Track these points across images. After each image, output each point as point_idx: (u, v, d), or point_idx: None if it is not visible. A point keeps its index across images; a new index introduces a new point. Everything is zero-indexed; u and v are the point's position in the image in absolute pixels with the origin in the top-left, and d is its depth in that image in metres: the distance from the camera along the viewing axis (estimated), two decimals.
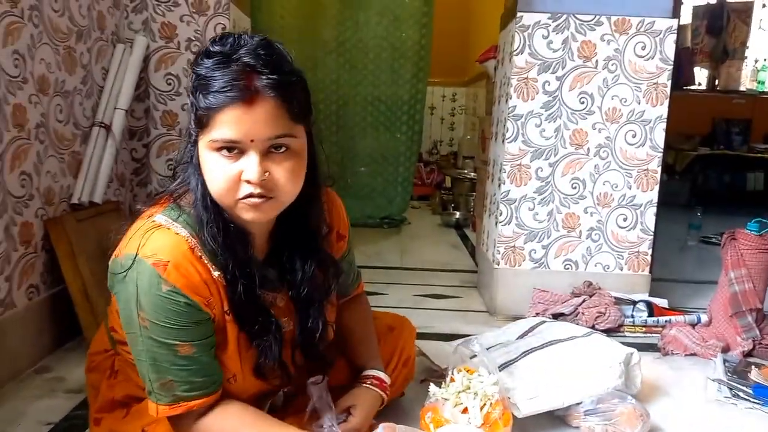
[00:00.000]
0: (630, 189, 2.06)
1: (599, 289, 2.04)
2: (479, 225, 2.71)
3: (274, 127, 0.87)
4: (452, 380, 1.22)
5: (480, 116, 3.65)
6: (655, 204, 2.07)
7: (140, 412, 1.00)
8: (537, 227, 2.09)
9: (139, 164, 2.19)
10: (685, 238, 3.44)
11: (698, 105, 4.81)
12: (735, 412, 1.45)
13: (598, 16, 1.98)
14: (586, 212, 2.08)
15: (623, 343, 1.47)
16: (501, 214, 2.09)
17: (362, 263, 1.30)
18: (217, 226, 0.92)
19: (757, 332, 1.77)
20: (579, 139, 2.04)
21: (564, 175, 2.06)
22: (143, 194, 2.17)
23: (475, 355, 1.32)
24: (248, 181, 0.88)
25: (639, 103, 2.02)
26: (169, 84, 2.15)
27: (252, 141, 0.87)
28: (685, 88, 4.87)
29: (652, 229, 2.08)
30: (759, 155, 4.80)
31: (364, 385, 1.15)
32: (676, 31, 1.99)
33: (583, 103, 2.02)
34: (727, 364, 1.65)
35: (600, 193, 2.07)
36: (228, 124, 0.86)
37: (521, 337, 1.60)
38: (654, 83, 2.00)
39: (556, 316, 1.95)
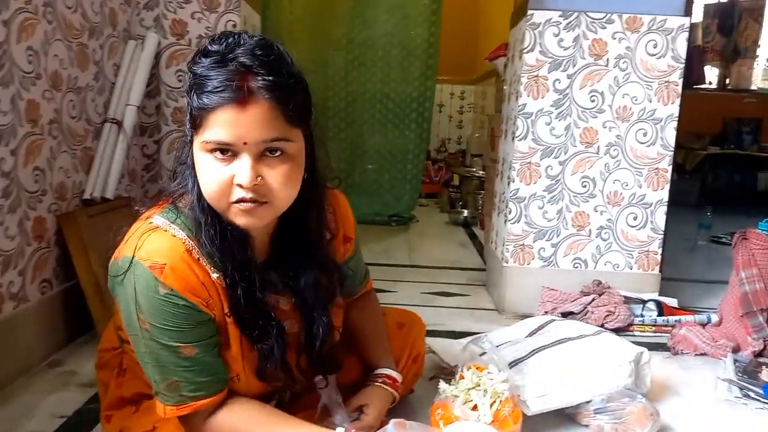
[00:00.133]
0: (640, 188, 2.05)
1: (609, 288, 2.03)
2: (488, 223, 2.70)
3: (268, 131, 0.85)
4: (462, 377, 1.22)
5: (489, 114, 3.64)
6: (666, 203, 2.06)
7: (151, 409, 0.99)
8: (546, 225, 2.09)
9: (150, 160, 2.20)
10: (695, 237, 3.42)
11: (709, 104, 4.77)
12: (745, 412, 1.44)
13: (609, 14, 1.97)
14: (596, 211, 2.07)
15: (633, 343, 1.47)
16: (510, 212, 2.09)
17: (370, 260, 1.30)
18: (214, 228, 0.90)
19: None
20: (589, 138, 2.04)
21: (574, 174, 2.06)
22: (154, 190, 2.18)
23: (484, 353, 1.32)
24: (240, 185, 0.85)
25: (650, 102, 2.01)
26: (180, 81, 2.16)
27: (245, 144, 0.84)
28: (695, 87, 4.84)
29: (663, 228, 2.07)
30: None
31: (376, 383, 1.15)
32: (688, 29, 1.98)
33: (593, 101, 2.02)
34: (737, 364, 1.64)
35: (610, 192, 2.06)
36: (221, 126, 0.83)
37: (530, 335, 1.60)
38: (665, 82, 1.99)
39: (565, 315, 1.95)
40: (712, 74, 5.31)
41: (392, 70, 3.66)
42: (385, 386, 1.15)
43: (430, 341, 1.51)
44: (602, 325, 1.87)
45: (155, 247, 0.88)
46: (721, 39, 5.03)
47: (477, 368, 1.24)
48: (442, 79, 4.65)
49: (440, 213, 4.28)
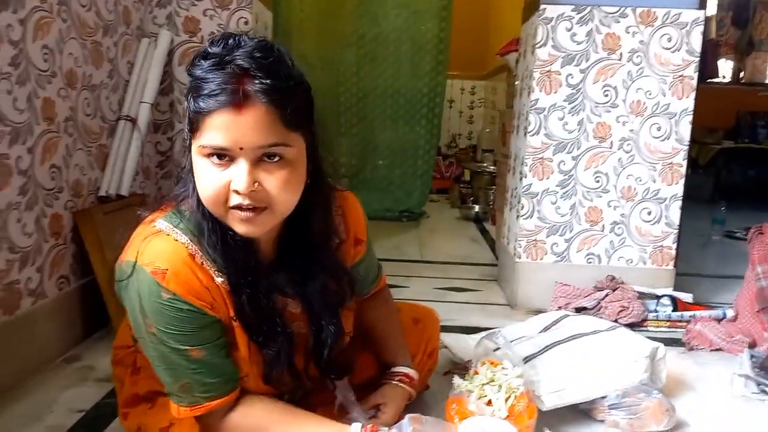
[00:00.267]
0: (654, 183, 2.04)
1: (622, 283, 2.02)
2: (500, 218, 2.70)
3: (265, 135, 0.82)
4: (476, 372, 1.22)
5: (500, 109, 3.63)
6: (680, 198, 2.04)
7: (166, 405, 0.99)
8: (559, 221, 2.08)
9: (163, 157, 2.21)
10: (709, 232, 3.39)
11: (722, 98, 4.73)
12: (762, 408, 1.43)
13: (623, 8, 1.95)
14: (610, 206, 2.06)
15: (647, 338, 1.46)
16: (522, 208, 2.08)
17: (382, 256, 1.29)
18: (215, 234, 0.89)
19: None
20: (602, 133, 2.02)
21: (587, 169, 2.05)
22: (168, 187, 2.20)
23: (498, 348, 1.32)
24: (237, 192, 0.83)
25: (664, 96, 1.99)
26: None
27: (241, 149, 0.82)
28: (708, 80, 4.80)
29: (677, 223, 2.06)
30: None
31: (393, 382, 1.15)
32: (703, 23, 1.96)
33: (607, 95, 2.00)
34: (753, 360, 1.62)
35: (624, 187, 2.05)
36: (217, 130, 0.81)
37: (544, 330, 1.59)
38: (680, 76, 1.98)
39: (579, 310, 1.94)
40: (725, 68, 5.26)
41: (403, 65, 3.65)
42: (402, 384, 1.15)
43: (442, 336, 1.51)
44: (616, 321, 1.86)
45: (158, 252, 0.87)
46: (736, 32, 4.98)
47: (491, 363, 1.24)
48: (453, 74, 4.64)
49: (451, 208, 4.27)
